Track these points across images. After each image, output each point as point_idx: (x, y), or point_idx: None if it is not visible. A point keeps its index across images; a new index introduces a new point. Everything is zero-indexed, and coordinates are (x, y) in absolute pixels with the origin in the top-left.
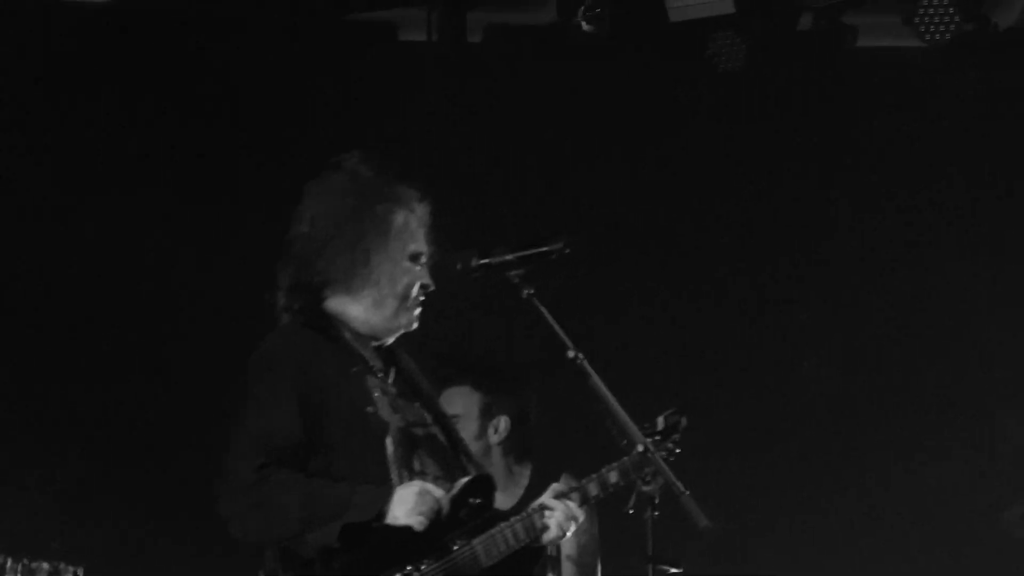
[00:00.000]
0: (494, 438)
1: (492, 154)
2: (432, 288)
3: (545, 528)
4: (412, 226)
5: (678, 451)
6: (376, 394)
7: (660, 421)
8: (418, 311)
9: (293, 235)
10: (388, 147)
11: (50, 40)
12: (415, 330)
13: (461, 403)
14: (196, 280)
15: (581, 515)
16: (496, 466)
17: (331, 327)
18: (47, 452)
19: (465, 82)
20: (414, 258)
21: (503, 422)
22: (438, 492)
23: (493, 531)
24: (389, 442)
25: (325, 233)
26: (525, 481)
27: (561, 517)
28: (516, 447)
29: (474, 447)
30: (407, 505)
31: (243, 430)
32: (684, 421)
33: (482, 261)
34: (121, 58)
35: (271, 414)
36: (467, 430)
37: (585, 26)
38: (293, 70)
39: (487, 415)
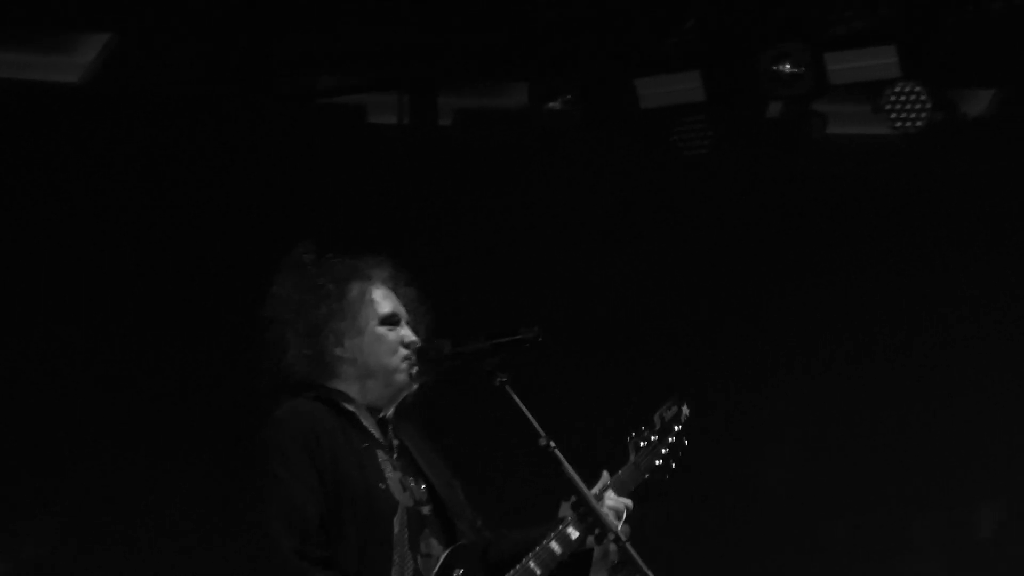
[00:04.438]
0: None
1: (462, 238)
2: (416, 341)
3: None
4: (374, 293)
5: (686, 443)
6: (387, 471)
7: (656, 420)
8: (411, 369)
9: (265, 338)
10: (341, 231)
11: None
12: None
13: None
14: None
15: None
16: None
17: (339, 401)
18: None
19: (435, 165)
20: (387, 322)
21: None
22: None
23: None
24: (396, 521)
25: (285, 333)
26: None
27: None
28: None
29: None
30: None
31: (270, 510)
32: (685, 411)
33: (456, 349)
34: (89, 140)
35: (293, 491)
36: None
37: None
38: (263, 153)
39: None
